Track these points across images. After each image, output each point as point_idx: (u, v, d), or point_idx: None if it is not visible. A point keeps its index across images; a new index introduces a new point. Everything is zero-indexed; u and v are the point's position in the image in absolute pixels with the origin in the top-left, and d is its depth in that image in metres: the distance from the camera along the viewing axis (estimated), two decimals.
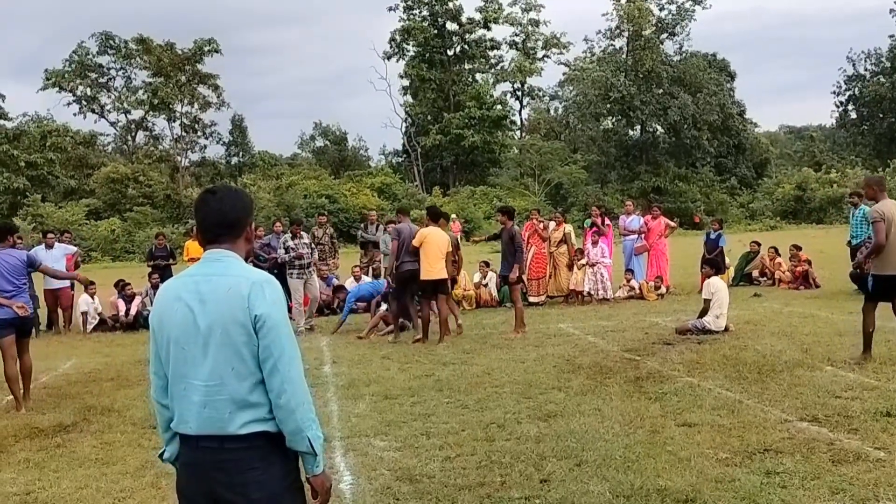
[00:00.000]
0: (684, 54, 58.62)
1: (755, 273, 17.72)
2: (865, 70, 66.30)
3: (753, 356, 9.19)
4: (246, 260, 2.93)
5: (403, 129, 62.71)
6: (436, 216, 12.26)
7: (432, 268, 11.32)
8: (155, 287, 15.54)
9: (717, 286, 11.27)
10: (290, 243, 13.77)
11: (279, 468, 2.82)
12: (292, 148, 77.79)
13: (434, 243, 11.39)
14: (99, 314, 15.40)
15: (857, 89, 65.90)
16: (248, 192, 2.84)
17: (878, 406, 6.70)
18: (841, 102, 68.06)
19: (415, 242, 11.42)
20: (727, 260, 17.86)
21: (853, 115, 67.71)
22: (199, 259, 11.50)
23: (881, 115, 63.77)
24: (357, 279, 16.13)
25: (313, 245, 14.65)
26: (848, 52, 73.27)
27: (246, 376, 2.76)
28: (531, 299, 15.72)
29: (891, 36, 64.78)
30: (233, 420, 2.75)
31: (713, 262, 12.38)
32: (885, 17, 76.01)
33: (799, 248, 17.23)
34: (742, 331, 11.13)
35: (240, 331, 2.74)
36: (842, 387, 7.48)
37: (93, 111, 57.53)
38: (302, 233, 14.13)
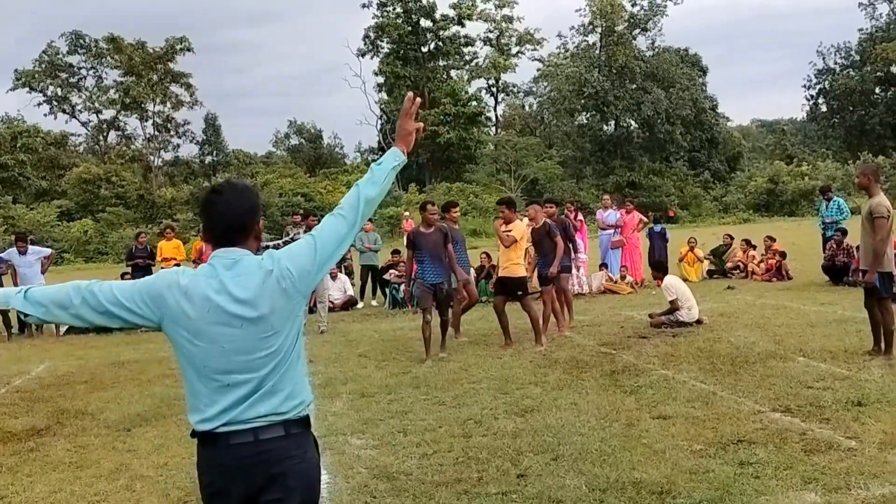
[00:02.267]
0: (657, 49, 59.05)
1: (728, 265, 17.89)
2: (835, 64, 67.11)
3: (727, 348, 9.28)
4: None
5: (378, 127, 62.61)
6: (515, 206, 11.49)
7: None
8: None
9: (674, 285, 11.42)
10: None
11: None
12: (267, 146, 77.69)
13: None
14: None
15: (827, 83, 66.68)
16: (255, 189, 2.68)
17: (850, 396, 6.78)
18: (811, 96, 68.92)
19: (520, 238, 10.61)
20: (701, 253, 18.06)
21: (823, 109, 68.52)
22: (172, 259, 11.49)
23: (851, 109, 64.54)
24: (333, 277, 16.11)
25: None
26: (818, 46, 74.20)
27: (253, 367, 2.84)
28: None
29: (860, 30, 65.71)
30: (252, 409, 2.81)
31: (659, 266, 12.49)
32: (854, 11, 77.23)
33: (773, 240, 17.42)
34: (716, 323, 11.23)
35: (285, 301, 2.76)
36: (814, 377, 7.57)
37: (64, 111, 57.03)
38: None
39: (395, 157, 2.96)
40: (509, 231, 10.47)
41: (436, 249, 10.02)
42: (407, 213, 21.61)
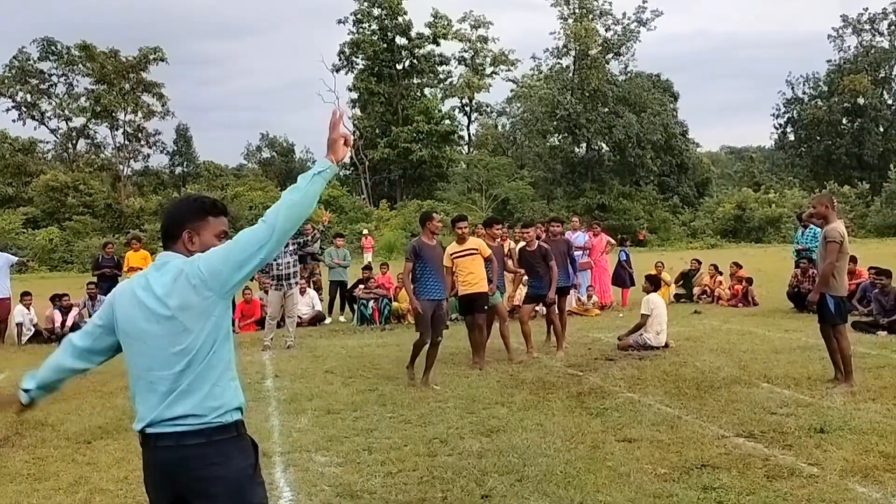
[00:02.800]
0: (629, 74, 59.74)
1: (696, 290, 18.04)
2: (804, 93, 68.45)
3: (693, 372, 9.34)
4: None
5: (351, 143, 62.56)
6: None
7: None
8: (93, 298, 15.20)
9: (656, 303, 11.45)
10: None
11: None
12: (238, 159, 77.20)
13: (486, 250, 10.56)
14: (34, 326, 15.00)
15: (795, 112, 67.92)
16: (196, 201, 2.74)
17: (812, 422, 6.84)
18: (780, 125, 70.19)
19: (483, 253, 10.33)
20: (668, 277, 18.21)
21: (791, 137, 69.75)
22: (138, 270, 11.34)
23: (818, 138, 65.73)
24: (302, 291, 16.01)
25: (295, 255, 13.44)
26: (787, 75, 75.56)
27: (165, 370, 2.93)
28: None
29: (828, 61, 67.14)
30: (167, 412, 2.95)
31: (653, 280, 12.55)
32: (823, 42, 78.76)
33: (739, 267, 17.61)
34: (682, 347, 11.30)
35: (195, 301, 2.86)
36: (777, 403, 7.63)
37: (33, 118, 56.32)
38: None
39: (321, 165, 2.99)
40: (471, 249, 10.24)
41: (440, 263, 9.73)
42: (366, 231, 21.49)
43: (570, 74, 57.94)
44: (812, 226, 16.80)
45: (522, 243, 11.58)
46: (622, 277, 17.72)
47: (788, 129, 69.77)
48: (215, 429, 2.82)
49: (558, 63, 59.67)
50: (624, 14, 58.94)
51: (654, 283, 12.41)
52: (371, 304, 15.72)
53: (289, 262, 12.98)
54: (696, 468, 5.77)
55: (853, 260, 15.36)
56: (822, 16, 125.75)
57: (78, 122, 57.08)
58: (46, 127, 57.74)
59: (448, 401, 8.32)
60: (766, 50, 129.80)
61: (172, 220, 3.02)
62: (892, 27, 64.76)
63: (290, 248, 13.14)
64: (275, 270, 12.92)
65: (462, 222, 10.16)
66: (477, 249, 10.25)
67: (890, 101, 65.72)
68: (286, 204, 2.82)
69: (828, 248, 8.26)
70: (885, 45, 65.29)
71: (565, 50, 58.27)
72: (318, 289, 17.25)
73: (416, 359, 9.53)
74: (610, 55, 58.86)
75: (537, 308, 12.32)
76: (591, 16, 57.50)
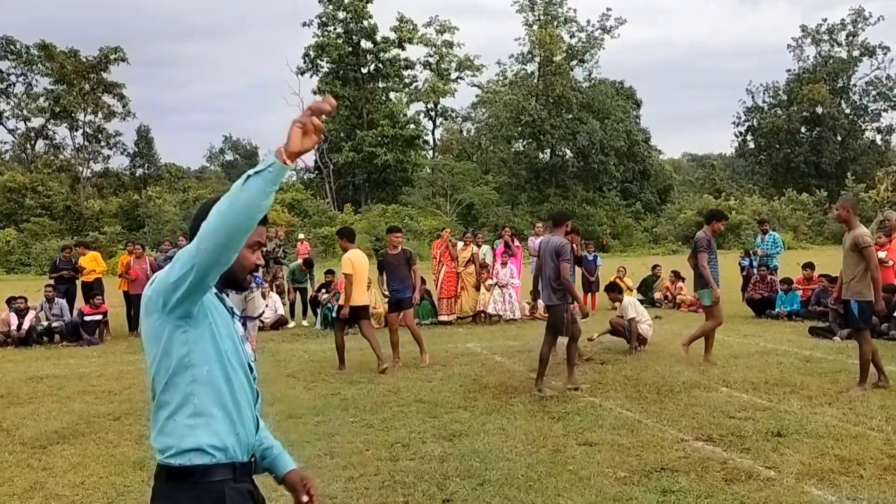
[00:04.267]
0: (593, 81, 60.24)
1: (657, 296, 18.22)
2: (764, 102, 69.53)
3: (653, 377, 9.43)
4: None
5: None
6: (354, 237, 11.53)
7: (360, 294, 10.73)
8: (50, 300, 14.97)
9: (633, 304, 11.73)
10: None
11: None
12: (200, 161, 76.49)
13: (363, 267, 10.83)
14: None
15: (755, 120, 68.94)
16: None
17: (770, 426, 6.94)
18: (740, 133, 71.16)
19: (345, 269, 10.63)
20: (630, 282, 18.37)
21: (752, 145, 70.77)
22: (92, 272, 11.23)
23: (777, 146, 66.77)
24: (264, 295, 15.91)
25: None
26: (748, 84, 76.69)
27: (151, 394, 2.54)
28: (442, 318, 15.82)
29: (788, 70, 68.31)
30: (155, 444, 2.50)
31: (613, 287, 12.75)
32: (783, 52, 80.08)
33: None
34: (643, 352, 11.40)
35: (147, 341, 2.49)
36: (735, 407, 7.73)
37: None
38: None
39: (263, 162, 2.43)
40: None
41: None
42: (301, 237, 21.38)
43: (535, 80, 58.24)
44: (771, 232, 17.10)
45: (487, 248, 11.63)
46: (588, 282, 17.85)
47: (749, 138, 70.81)
48: (161, 467, 2.44)
49: (523, 69, 59.98)
50: (588, 21, 59.56)
51: (616, 290, 12.60)
52: (335, 308, 15.65)
53: None
54: (656, 471, 5.82)
55: (810, 266, 15.67)
56: (783, 27, 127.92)
57: (37, 122, 56.31)
58: (4, 127, 56.88)
59: (410, 405, 8.31)
60: (728, 59, 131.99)
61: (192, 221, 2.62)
62: (850, 38, 66.03)
63: None
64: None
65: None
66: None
67: (847, 111, 66.96)
68: (213, 213, 2.30)
69: (866, 253, 8.23)
70: (843, 55, 66.56)
71: (530, 56, 58.61)
72: (280, 293, 17.15)
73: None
74: (574, 62, 59.32)
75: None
76: (555, 22, 57.92)
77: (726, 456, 6.19)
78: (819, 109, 64.40)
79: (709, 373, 9.61)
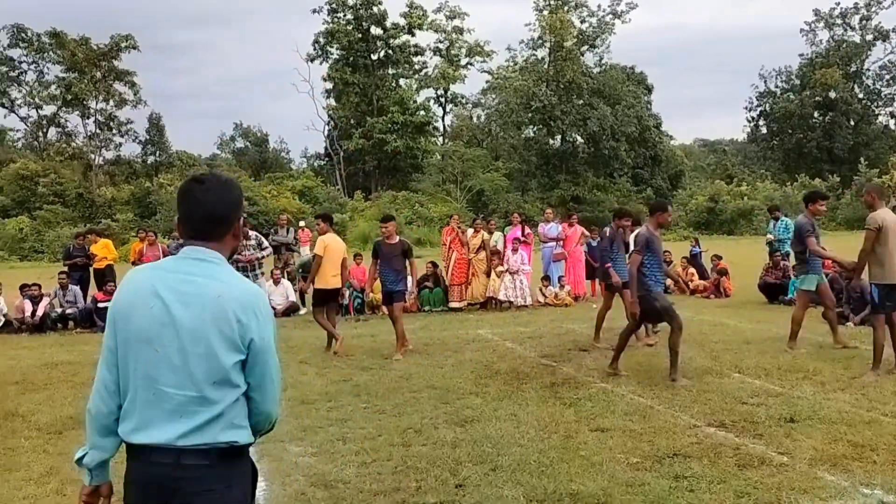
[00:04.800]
0: (604, 66, 59.92)
1: (668, 282, 18.16)
2: (776, 87, 69.05)
3: (665, 363, 9.38)
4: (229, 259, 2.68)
5: (326, 133, 62.35)
6: (332, 221, 11.98)
7: (331, 277, 11.11)
8: (64, 287, 15.06)
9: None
10: None
11: (238, 492, 2.61)
12: (211, 148, 76.70)
13: (336, 251, 11.26)
14: (4, 315, 14.83)
15: (767, 105, 68.51)
16: (238, 183, 2.41)
17: (782, 412, 6.93)
18: (752, 118, 70.75)
19: (317, 251, 11.16)
20: None
21: (764, 131, 70.38)
22: (103, 259, 11.27)
23: (790, 131, 66.35)
24: (276, 282, 15.99)
25: (262, 245, 13.35)
26: (760, 69, 76.17)
27: (226, 389, 2.53)
28: (452, 305, 15.84)
29: (801, 55, 67.82)
30: (206, 432, 2.51)
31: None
32: (796, 36, 79.36)
33: (720, 258, 17.81)
34: (656, 338, 11.37)
35: (226, 344, 2.51)
36: (748, 393, 7.72)
37: (3, 105, 55.65)
38: (250, 232, 13.19)
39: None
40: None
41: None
42: (302, 224, 21.35)
43: (546, 66, 57.98)
44: (783, 218, 17.01)
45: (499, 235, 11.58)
46: (593, 269, 17.84)
47: (761, 123, 70.39)
48: (224, 451, 2.62)
49: (533, 55, 59.72)
50: (599, 6, 59.55)
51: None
52: (348, 294, 15.71)
53: (254, 255, 12.97)
54: (668, 457, 5.83)
55: None
56: (795, 10, 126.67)
57: (48, 110, 56.55)
58: (16, 115, 57.15)
59: (422, 391, 8.33)
60: (740, 44, 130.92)
61: (225, 204, 2.66)
62: (864, 21, 65.43)
63: (252, 241, 13.06)
64: (238, 264, 12.87)
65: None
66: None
67: (861, 95, 66.47)
68: (275, 418, 2.75)
69: (865, 235, 8.37)
70: (857, 39, 65.99)
71: (540, 42, 58.32)
72: (292, 279, 17.19)
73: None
74: (585, 47, 59.02)
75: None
76: (566, 7, 57.60)
77: (739, 442, 6.18)
78: (832, 94, 63.94)
79: (721, 359, 9.60)
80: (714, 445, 6.09)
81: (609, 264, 11.14)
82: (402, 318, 10.97)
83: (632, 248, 9.57)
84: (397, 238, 11.11)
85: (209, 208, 2.62)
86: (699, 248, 19.85)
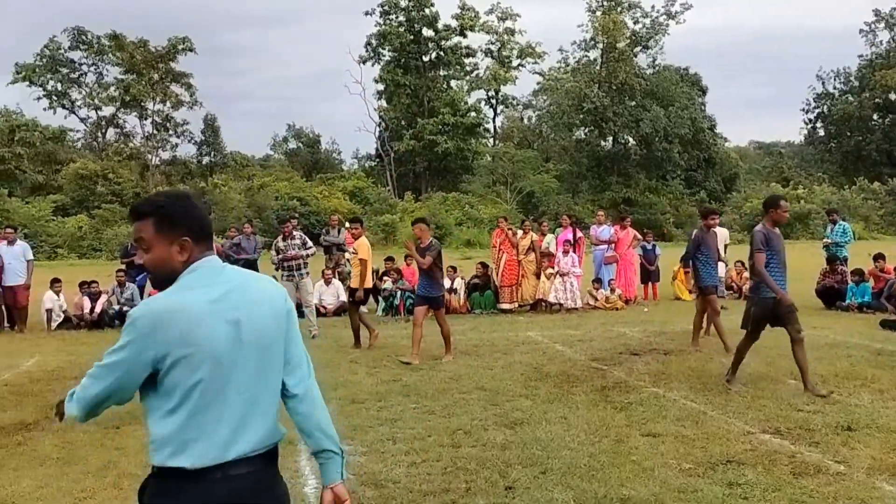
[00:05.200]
0: (657, 67, 59.30)
1: (722, 287, 17.92)
2: (834, 88, 67.64)
3: (718, 368, 9.28)
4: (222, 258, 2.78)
5: (377, 134, 62.72)
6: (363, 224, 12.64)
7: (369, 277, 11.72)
8: (121, 285, 15.37)
9: None
10: (280, 244, 13.27)
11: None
12: (265, 149, 77.50)
13: (369, 252, 11.77)
14: (63, 312, 15.20)
15: (825, 107, 67.14)
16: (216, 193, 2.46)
17: (839, 420, 6.79)
18: (809, 120, 69.40)
19: (364, 255, 11.54)
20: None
21: (821, 133, 68.99)
22: None
23: (848, 134, 64.93)
24: (328, 282, 16.13)
25: (306, 245, 13.41)
26: (818, 70, 74.65)
27: (278, 385, 2.64)
28: (502, 306, 15.82)
29: (860, 56, 66.31)
30: (272, 434, 2.58)
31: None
32: (854, 37, 77.78)
33: None
34: (707, 343, 11.22)
35: (280, 339, 2.62)
36: (804, 400, 7.58)
37: (63, 106, 57.06)
38: (294, 232, 13.42)
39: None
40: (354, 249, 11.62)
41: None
42: (347, 225, 21.42)
43: (598, 67, 57.60)
44: (841, 221, 16.67)
45: (551, 237, 11.52)
46: (647, 272, 17.71)
47: (818, 125, 69.03)
48: (275, 450, 2.72)
49: (585, 56, 59.42)
50: (653, 7, 59.05)
51: None
52: (398, 295, 15.84)
53: (300, 254, 13.11)
54: (722, 464, 5.75)
55: (881, 257, 15.24)
56: (854, 10, 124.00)
57: (107, 111, 57.84)
58: (76, 116, 58.54)
59: (471, 392, 8.34)
60: (796, 44, 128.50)
61: (206, 217, 2.70)
62: None
63: (297, 241, 13.23)
64: (285, 262, 13.14)
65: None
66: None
67: None
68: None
69: None
70: None
71: (593, 43, 57.96)
72: (343, 279, 17.31)
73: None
74: (638, 48, 58.48)
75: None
76: (619, 8, 57.10)
77: (794, 449, 6.07)
78: (892, 96, 62.41)
79: (776, 365, 9.43)
80: (769, 452, 5.99)
81: (688, 268, 10.91)
82: (447, 322, 10.80)
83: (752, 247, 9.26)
84: (429, 240, 10.70)
85: (208, 220, 2.71)
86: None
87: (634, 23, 58.25)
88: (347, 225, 22.55)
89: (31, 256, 15.46)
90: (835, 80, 67.72)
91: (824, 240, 16.87)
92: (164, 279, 2.56)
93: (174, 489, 2.43)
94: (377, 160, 63.65)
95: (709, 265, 10.74)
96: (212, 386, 2.45)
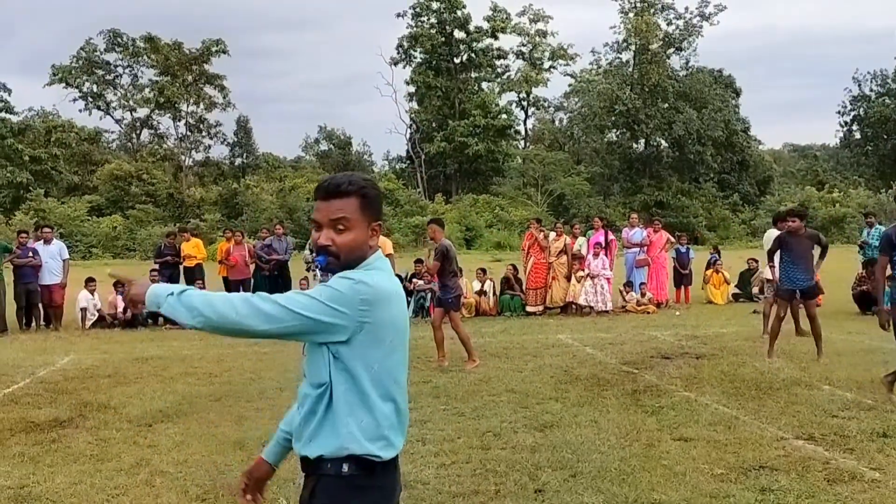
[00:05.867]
0: (691, 69, 58.73)
1: (754, 290, 17.74)
2: (871, 91, 66.45)
3: (751, 373, 9.19)
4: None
5: (408, 136, 62.78)
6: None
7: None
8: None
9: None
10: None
11: None
12: (296, 151, 77.97)
13: (391, 248, 11.83)
14: (98, 311, 15.40)
15: (862, 110, 66.03)
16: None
17: (875, 426, 6.68)
18: (845, 122, 68.25)
19: (391, 250, 11.69)
20: (727, 275, 17.95)
21: (857, 136, 67.83)
22: (192, 258, 11.50)
23: (885, 137, 63.82)
24: None
25: None
26: (854, 72, 73.57)
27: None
28: (529, 309, 15.78)
29: None
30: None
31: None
32: (891, 38, 76.52)
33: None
34: (740, 348, 11.13)
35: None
36: (839, 406, 7.46)
37: (98, 108, 57.89)
38: None
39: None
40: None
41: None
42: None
43: (630, 69, 57.22)
44: (878, 225, 16.44)
45: (583, 240, 11.39)
46: (679, 275, 17.58)
47: (854, 127, 67.85)
48: None
49: (618, 58, 58.96)
50: (686, 8, 58.25)
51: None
52: (429, 296, 15.83)
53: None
54: (754, 469, 5.68)
55: None
56: (891, 11, 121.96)
57: (142, 112, 58.53)
58: (111, 117, 59.32)
59: (501, 395, 8.32)
60: (832, 46, 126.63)
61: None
62: None
63: None
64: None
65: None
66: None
67: None
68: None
69: None
70: None
71: (625, 44, 57.53)
72: None
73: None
74: (671, 50, 57.95)
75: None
76: (652, 10, 56.64)
77: (829, 455, 5.98)
78: None
79: (810, 370, 9.30)
80: (802, 459, 5.91)
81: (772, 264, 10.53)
82: (462, 326, 10.43)
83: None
84: (442, 241, 10.44)
85: None
86: None
87: (668, 24, 57.75)
88: None
89: (67, 256, 15.71)
90: (871, 82, 66.57)
91: (860, 241, 16.66)
92: (350, 264, 2.48)
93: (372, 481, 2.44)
94: (408, 162, 63.71)
95: (788, 269, 10.30)
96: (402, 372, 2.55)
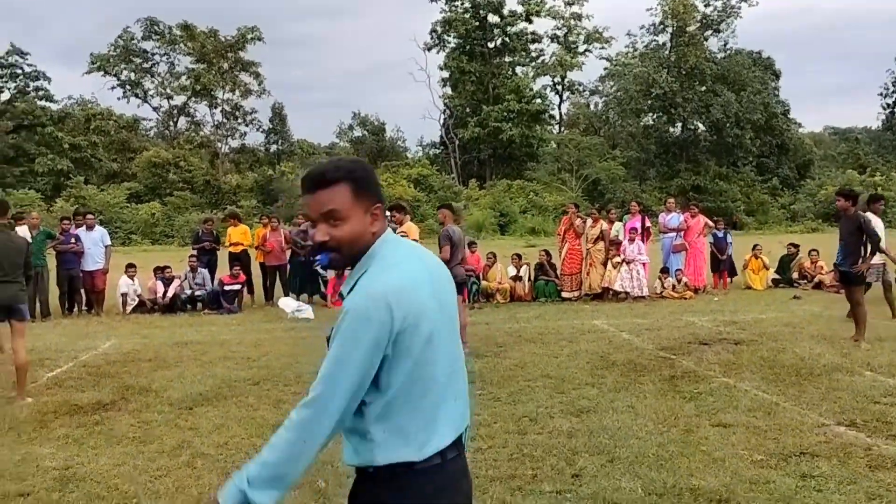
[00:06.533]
0: (729, 51, 57.79)
1: (795, 275, 17.52)
2: None
3: (791, 359, 9.08)
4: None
5: (441, 121, 62.65)
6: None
7: None
8: (194, 270, 15.73)
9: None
10: None
11: None
12: (330, 137, 78.38)
13: (416, 233, 11.82)
14: (138, 296, 15.63)
15: None
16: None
17: None
18: (887, 105, 67.05)
19: (415, 236, 11.50)
20: (766, 260, 17.72)
21: None
22: (239, 244, 11.54)
23: None
24: None
25: None
26: None
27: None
28: (564, 295, 15.72)
29: None
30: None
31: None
32: None
33: None
34: (780, 333, 10.99)
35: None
36: (881, 392, 7.36)
37: (136, 96, 58.56)
38: None
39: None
40: (404, 233, 11.01)
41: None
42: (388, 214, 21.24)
43: (667, 52, 56.48)
44: None
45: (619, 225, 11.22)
46: (717, 261, 17.38)
47: None
48: None
49: (654, 40, 58.22)
50: None
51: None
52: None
53: None
54: (795, 456, 5.62)
55: None
56: None
57: (179, 100, 59.10)
58: (149, 105, 59.98)
59: (537, 380, 8.31)
60: (874, 28, 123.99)
61: None
62: None
63: None
64: None
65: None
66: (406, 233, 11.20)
67: None
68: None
69: None
70: None
71: (662, 27, 56.78)
72: None
73: None
74: (709, 32, 57.05)
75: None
76: None
77: (870, 442, 5.90)
78: None
79: (852, 356, 9.18)
80: (844, 445, 5.84)
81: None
82: (465, 311, 10.42)
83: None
84: (447, 225, 10.46)
85: None
86: None
87: (705, 6, 56.79)
88: (388, 214, 22.70)
89: (108, 242, 15.93)
90: None
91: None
92: (354, 257, 2.27)
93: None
94: (441, 147, 63.59)
95: (839, 249, 10.17)
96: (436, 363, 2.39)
